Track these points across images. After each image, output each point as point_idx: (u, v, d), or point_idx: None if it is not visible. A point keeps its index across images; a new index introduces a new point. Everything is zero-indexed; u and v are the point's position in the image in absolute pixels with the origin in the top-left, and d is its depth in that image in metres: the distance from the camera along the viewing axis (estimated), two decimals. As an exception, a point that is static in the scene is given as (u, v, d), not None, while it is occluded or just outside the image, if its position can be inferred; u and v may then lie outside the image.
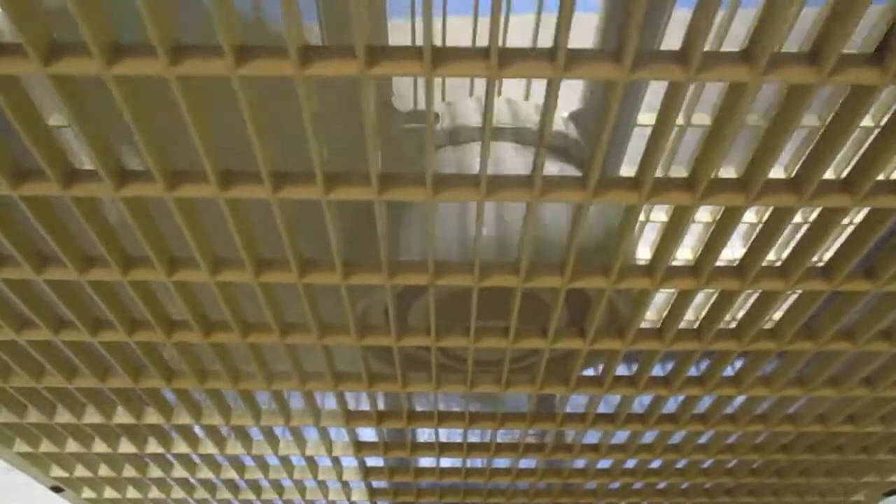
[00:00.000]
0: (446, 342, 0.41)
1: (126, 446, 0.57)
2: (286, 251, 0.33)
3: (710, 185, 0.28)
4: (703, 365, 0.46)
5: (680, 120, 0.58)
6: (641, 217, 0.70)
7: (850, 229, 0.33)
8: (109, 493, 0.66)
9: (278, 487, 0.67)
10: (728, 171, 0.64)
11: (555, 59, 0.23)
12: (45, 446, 0.56)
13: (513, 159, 0.48)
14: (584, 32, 0.53)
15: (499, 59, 0.23)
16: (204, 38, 0.24)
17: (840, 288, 0.35)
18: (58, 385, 0.46)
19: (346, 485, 0.67)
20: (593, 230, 0.48)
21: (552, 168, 0.49)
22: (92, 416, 0.52)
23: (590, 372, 0.56)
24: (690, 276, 0.34)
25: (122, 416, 0.52)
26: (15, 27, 0.23)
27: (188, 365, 0.44)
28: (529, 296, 0.48)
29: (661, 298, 0.92)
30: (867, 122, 0.60)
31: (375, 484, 0.67)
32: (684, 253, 0.77)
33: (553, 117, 0.26)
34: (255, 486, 0.66)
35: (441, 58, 0.23)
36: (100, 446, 0.57)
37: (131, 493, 0.67)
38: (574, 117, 0.54)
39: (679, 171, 0.65)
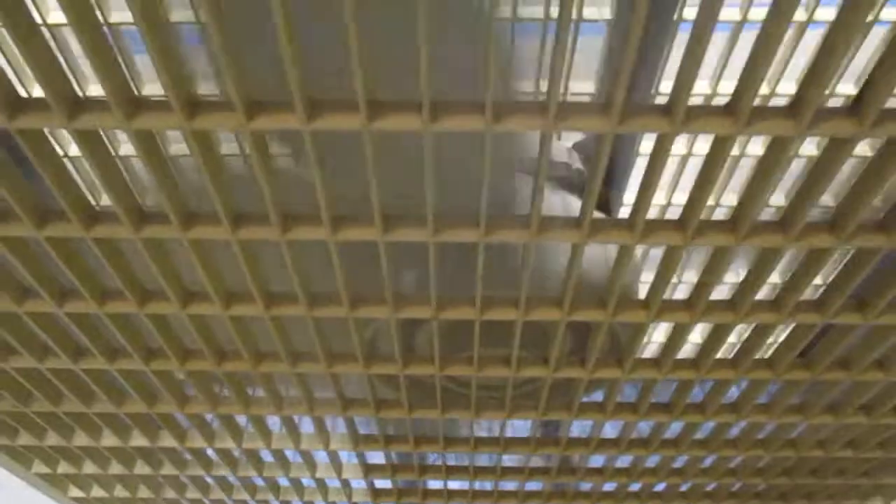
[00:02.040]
0: (451, 370, 0.42)
1: (141, 468, 0.58)
2: (295, 286, 0.34)
3: (699, 227, 0.29)
4: (708, 385, 0.46)
5: (683, 150, 0.59)
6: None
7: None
8: (125, 512, 0.68)
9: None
10: (730, 198, 0.65)
11: (546, 113, 0.25)
12: (63, 467, 0.58)
13: (517, 189, 0.49)
14: (591, 56, 0.54)
15: (493, 114, 0.25)
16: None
17: (832, 320, 0.36)
18: (76, 410, 0.48)
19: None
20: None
21: (555, 199, 0.50)
22: (109, 439, 0.53)
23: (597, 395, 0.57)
24: (685, 310, 0.36)
25: (138, 439, 0.53)
26: (40, 83, 0.24)
27: (201, 391, 0.45)
28: (533, 322, 0.49)
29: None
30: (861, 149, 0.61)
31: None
32: (690, 276, 0.78)
33: (546, 166, 0.27)
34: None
35: (440, 112, 0.25)
36: (116, 468, 0.58)
37: (146, 512, 0.68)
38: (578, 147, 0.55)
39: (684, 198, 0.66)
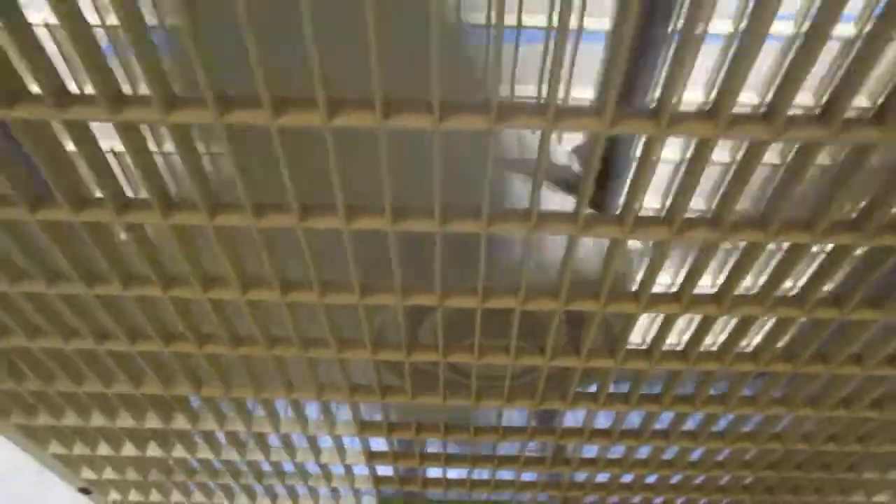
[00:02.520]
0: (453, 358, 0.45)
1: (153, 450, 0.61)
2: (310, 274, 0.37)
3: (684, 222, 0.32)
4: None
5: (677, 155, 0.61)
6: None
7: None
8: (134, 495, 0.70)
9: (293, 495, 0.71)
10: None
11: (546, 114, 0.27)
12: (79, 448, 0.60)
13: (519, 190, 0.52)
14: (592, 65, 0.57)
15: (497, 114, 0.27)
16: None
17: (811, 315, 0.38)
18: (96, 390, 0.50)
19: (357, 493, 0.70)
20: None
21: (555, 199, 0.53)
22: (124, 421, 0.56)
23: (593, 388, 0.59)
24: (674, 302, 0.38)
25: (152, 421, 0.56)
26: (86, 77, 0.27)
27: (216, 374, 0.48)
28: (533, 314, 0.51)
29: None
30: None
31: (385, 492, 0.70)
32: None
33: (546, 162, 0.29)
34: (272, 493, 0.70)
35: (446, 112, 0.27)
36: (129, 449, 0.61)
37: (154, 496, 0.71)
38: (577, 151, 0.58)
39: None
